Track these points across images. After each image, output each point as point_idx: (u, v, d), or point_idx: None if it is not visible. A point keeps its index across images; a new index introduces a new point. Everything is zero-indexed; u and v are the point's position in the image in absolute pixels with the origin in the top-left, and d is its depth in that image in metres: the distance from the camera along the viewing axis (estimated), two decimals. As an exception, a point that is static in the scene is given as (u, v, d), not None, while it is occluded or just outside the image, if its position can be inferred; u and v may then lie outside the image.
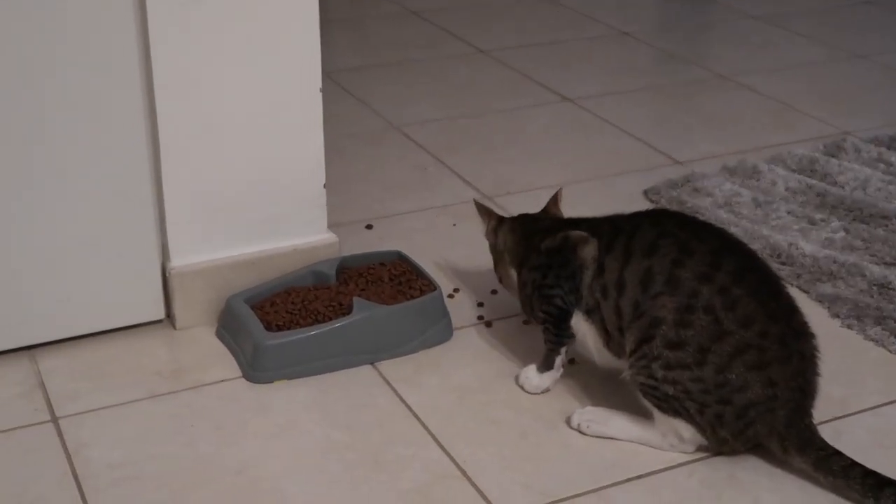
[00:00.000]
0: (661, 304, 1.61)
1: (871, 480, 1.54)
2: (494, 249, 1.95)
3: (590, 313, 1.71)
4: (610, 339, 1.70)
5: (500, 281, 1.95)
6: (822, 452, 1.59)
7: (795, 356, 1.60)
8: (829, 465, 1.58)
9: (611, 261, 1.68)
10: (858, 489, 1.55)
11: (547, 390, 1.80)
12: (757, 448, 1.65)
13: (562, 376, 1.82)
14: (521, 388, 1.81)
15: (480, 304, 2.05)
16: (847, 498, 1.57)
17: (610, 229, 1.72)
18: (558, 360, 1.79)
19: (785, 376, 1.59)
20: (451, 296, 2.05)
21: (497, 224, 1.94)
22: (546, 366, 1.80)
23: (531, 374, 1.81)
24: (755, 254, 1.70)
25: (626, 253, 1.67)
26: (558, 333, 1.77)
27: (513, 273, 1.89)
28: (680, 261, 1.62)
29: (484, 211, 1.98)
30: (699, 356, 1.58)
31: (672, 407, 1.62)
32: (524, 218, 1.94)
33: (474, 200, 2.00)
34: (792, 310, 1.64)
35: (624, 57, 3.39)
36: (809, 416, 1.62)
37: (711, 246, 1.65)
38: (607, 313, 1.68)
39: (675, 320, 1.59)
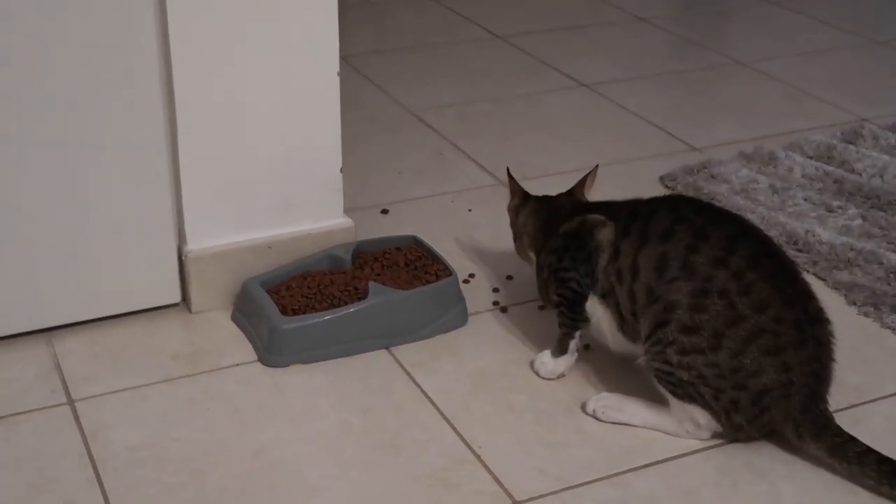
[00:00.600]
0: (675, 288, 1.60)
1: (887, 467, 1.54)
2: (514, 225, 1.96)
3: (605, 297, 1.71)
4: (624, 323, 1.69)
5: (518, 253, 1.96)
6: (838, 439, 1.59)
7: (811, 341, 1.60)
8: (845, 451, 1.57)
9: (626, 245, 1.68)
10: (874, 476, 1.55)
11: (562, 375, 1.80)
12: (772, 435, 1.65)
13: (577, 362, 1.82)
14: (536, 373, 1.81)
15: (496, 290, 2.04)
16: (862, 485, 1.57)
17: (627, 214, 1.72)
18: (572, 345, 1.79)
19: (800, 361, 1.58)
20: (466, 281, 2.05)
21: (521, 202, 1.95)
22: (560, 350, 1.80)
23: (546, 360, 1.81)
24: (771, 240, 1.70)
25: (641, 238, 1.67)
26: (573, 317, 1.77)
27: (531, 255, 1.90)
28: (695, 246, 1.62)
29: (514, 185, 1.97)
30: (714, 341, 1.58)
31: (687, 392, 1.62)
32: (547, 201, 1.93)
33: (508, 169, 2.00)
34: (807, 295, 1.63)
35: (641, 43, 3.38)
36: (825, 401, 1.62)
37: (727, 231, 1.65)
38: (622, 297, 1.68)
39: (689, 304, 1.59)
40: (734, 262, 1.60)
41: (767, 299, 1.58)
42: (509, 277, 2.08)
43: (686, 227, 1.65)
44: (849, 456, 1.57)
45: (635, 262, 1.66)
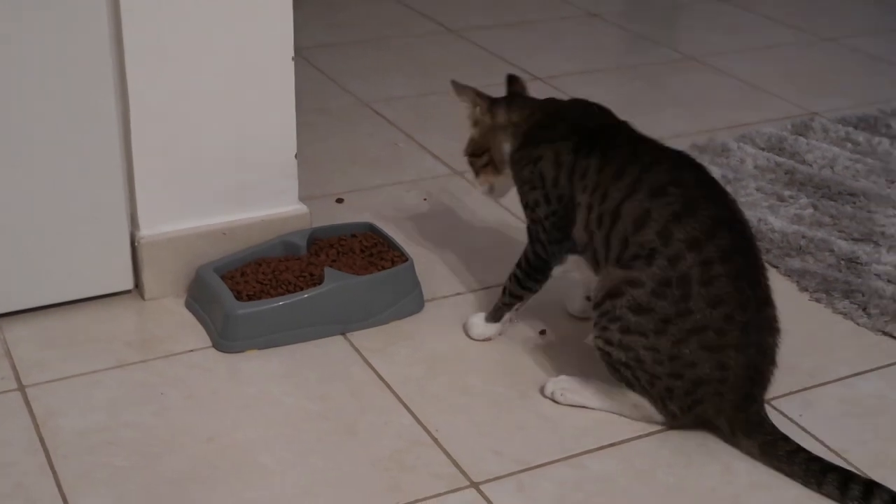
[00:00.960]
0: (642, 259, 1.58)
1: (816, 466, 1.55)
2: (488, 131, 1.84)
3: (584, 251, 1.69)
4: (598, 269, 1.67)
5: (486, 164, 1.86)
6: (769, 437, 1.59)
7: (752, 347, 1.59)
8: (775, 449, 1.58)
9: (615, 190, 1.63)
10: (802, 474, 1.55)
11: (489, 339, 1.84)
12: (707, 426, 1.65)
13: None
14: (466, 332, 1.85)
15: (542, 332, 1.90)
16: (793, 481, 1.57)
17: (627, 154, 1.67)
18: (507, 316, 1.82)
19: (738, 363, 1.58)
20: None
21: (492, 105, 1.84)
22: (494, 317, 1.83)
23: (478, 321, 1.85)
24: (752, 236, 1.65)
25: (632, 186, 1.62)
26: (524, 285, 1.78)
27: (505, 147, 1.81)
28: (679, 216, 1.58)
29: (469, 92, 1.86)
30: (661, 325, 1.57)
31: (625, 377, 1.62)
32: (534, 103, 1.86)
33: (452, 81, 1.89)
34: (765, 302, 1.61)
35: (593, 38, 3.40)
36: (759, 403, 1.62)
37: (716, 213, 1.60)
38: (598, 245, 1.65)
39: (651, 290, 1.57)
40: (708, 249, 1.57)
41: (724, 297, 1.56)
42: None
43: (680, 192, 1.60)
44: (779, 454, 1.57)
45: (618, 208, 1.62)
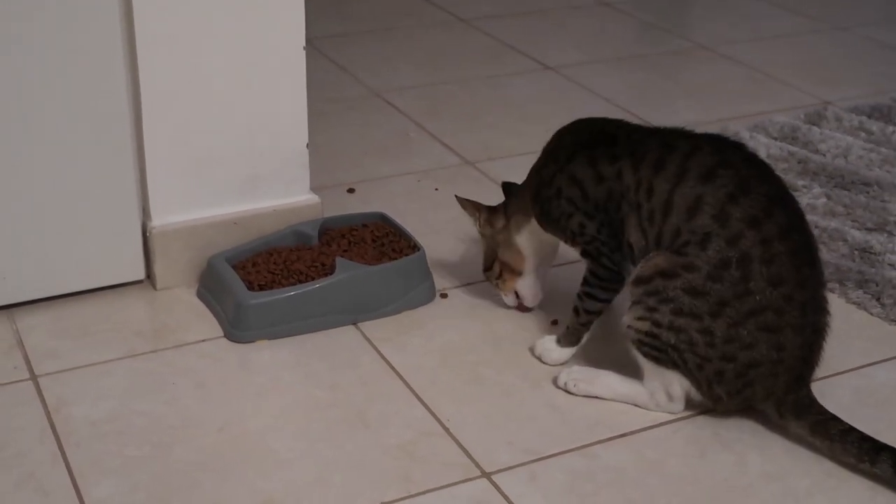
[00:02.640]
0: (694, 252, 1.56)
1: (868, 445, 1.54)
2: (491, 240, 1.87)
3: (641, 255, 1.63)
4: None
5: (499, 275, 1.87)
6: (820, 417, 1.58)
7: (809, 328, 1.59)
8: (827, 429, 1.57)
9: (661, 181, 1.60)
10: (855, 453, 1.54)
11: (566, 363, 1.77)
12: (748, 410, 1.65)
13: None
14: (539, 359, 1.77)
15: (555, 322, 1.85)
16: (842, 462, 1.57)
17: (659, 146, 1.64)
18: (586, 337, 1.75)
19: (794, 344, 1.57)
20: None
21: (489, 214, 1.86)
22: (571, 341, 1.75)
23: (551, 346, 1.76)
24: (803, 215, 1.63)
25: (679, 173, 1.59)
26: (603, 297, 1.70)
27: (521, 239, 1.82)
28: (735, 197, 1.56)
29: (469, 205, 1.88)
30: (717, 308, 1.55)
31: (671, 359, 1.59)
32: (517, 190, 1.86)
33: (456, 196, 1.92)
34: (820, 282, 1.61)
35: (605, 27, 3.38)
36: (808, 385, 1.62)
37: (769, 190, 1.58)
38: (652, 242, 1.60)
39: (707, 273, 1.55)
40: (767, 227, 1.55)
41: (785, 276, 1.55)
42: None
43: (732, 173, 1.58)
44: (831, 434, 1.56)
45: (669, 199, 1.59)
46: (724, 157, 1.61)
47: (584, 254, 1.73)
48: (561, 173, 1.72)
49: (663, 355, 1.60)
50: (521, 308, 1.91)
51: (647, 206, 1.61)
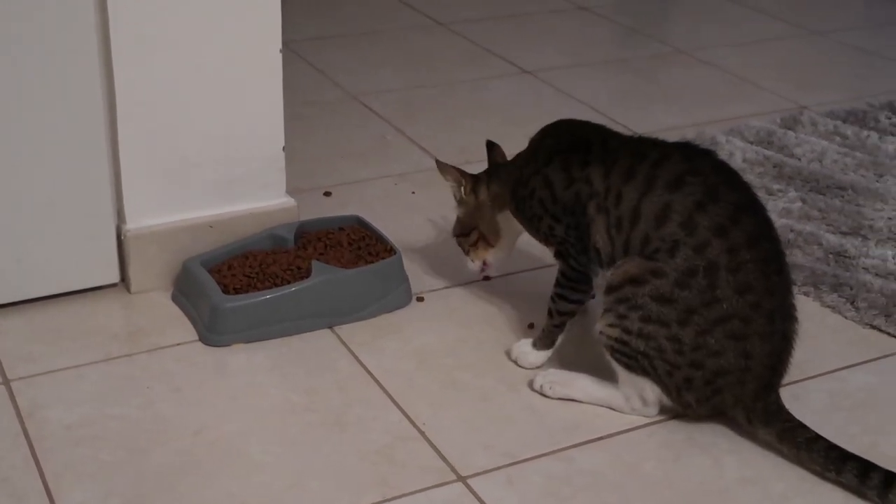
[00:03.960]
0: (663, 258, 1.56)
1: (835, 454, 1.54)
2: (473, 209, 1.86)
3: (609, 262, 1.64)
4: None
5: (475, 242, 1.87)
6: (788, 424, 1.59)
7: (777, 335, 1.59)
8: (794, 436, 1.57)
9: (630, 190, 1.61)
10: (821, 462, 1.54)
11: (541, 366, 1.77)
12: (719, 416, 1.65)
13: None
14: (515, 362, 1.78)
15: (531, 326, 1.87)
16: (809, 470, 1.57)
17: (631, 154, 1.65)
18: (559, 339, 1.76)
19: (762, 352, 1.58)
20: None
21: (475, 183, 1.87)
22: (545, 343, 1.76)
23: (527, 350, 1.77)
24: (771, 222, 1.64)
25: (648, 182, 1.60)
26: (572, 298, 1.71)
27: (500, 221, 1.83)
28: (703, 205, 1.56)
29: (452, 171, 1.88)
30: (684, 315, 1.56)
31: (640, 365, 1.60)
32: (510, 164, 1.86)
33: (437, 161, 1.94)
34: (788, 289, 1.61)
35: (583, 31, 3.39)
36: (776, 392, 1.62)
37: (738, 198, 1.59)
38: (619, 250, 1.61)
39: (675, 280, 1.56)
40: (734, 236, 1.56)
41: (752, 283, 1.56)
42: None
43: (700, 181, 1.58)
44: (798, 441, 1.57)
45: (637, 207, 1.59)
46: (692, 164, 1.61)
47: (556, 255, 1.75)
48: (536, 175, 1.74)
49: (633, 362, 1.61)
50: (483, 274, 1.93)
51: (614, 212, 1.62)
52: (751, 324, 1.56)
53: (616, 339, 1.61)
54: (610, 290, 1.61)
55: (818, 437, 1.56)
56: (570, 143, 1.73)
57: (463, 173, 1.89)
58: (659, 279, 1.56)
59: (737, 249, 1.56)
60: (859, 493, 1.52)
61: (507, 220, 1.84)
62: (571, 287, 1.72)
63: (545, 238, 1.75)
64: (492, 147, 1.93)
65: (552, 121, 1.85)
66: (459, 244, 1.91)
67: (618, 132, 1.77)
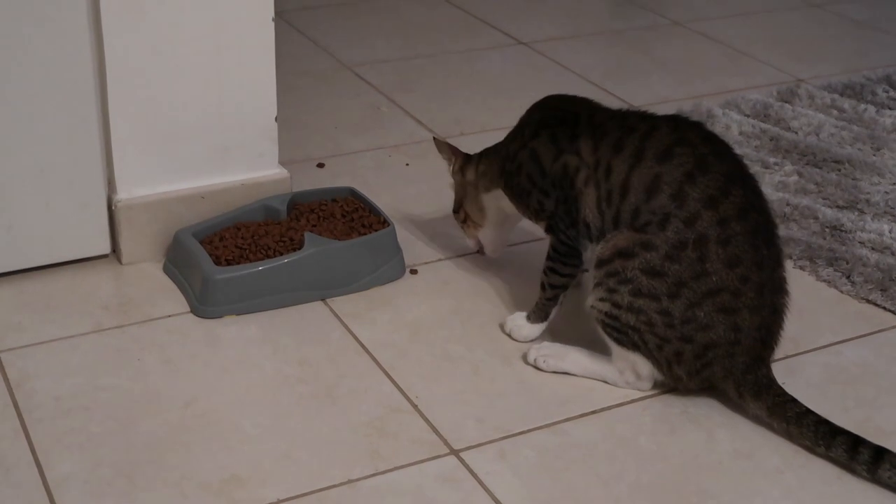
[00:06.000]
0: (653, 231, 1.55)
1: (825, 428, 1.53)
2: (460, 188, 1.89)
3: (599, 235, 1.63)
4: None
5: (464, 220, 1.90)
6: (778, 398, 1.58)
7: (767, 308, 1.58)
8: (784, 411, 1.57)
9: (619, 162, 1.60)
10: (811, 436, 1.54)
11: (535, 339, 1.76)
12: (711, 390, 1.65)
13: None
14: (509, 335, 1.77)
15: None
16: (799, 444, 1.57)
17: (618, 127, 1.64)
18: (554, 311, 1.75)
19: (752, 325, 1.57)
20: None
21: (464, 162, 1.88)
22: (540, 316, 1.75)
23: (521, 323, 1.76)
24: (762, 193, 1.62)
25: (636, 155, 1.59)
26: (565, 272, 1.70)
27: (487, 198, 1.84)
28: (692, 176, 1.56)
29: (446, 148, 1.90)
30: (674, 289, 1.55)
31: (631, 340, 1.60)
32: (493, 147, 1.86)
33: (434, 138, 1.94)
34: (778, 262, 1.60)
35: (579, 3, 3.36)
36: (767, 365, 1.61)
37: (727, 169, 1.58)
38: (608, 223, 1.61)
39: (665, 253, 1.55)
40: (724, 207, 1.55)
41: (742, 256, 1.55)
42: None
43: (689, 151, 1.57)
44: (788, 416, 1.56)
45: (627, 180, 1.58)
46: (681, 135, 1.61)
47: (546, 229, 1.74)
48: (524, 150, 1.73)
49: (624, 336, 1.60)
50: (481, 252, 1.94)
51: (605, 185, 1.61)
52: (740, 297, 1.55)
53: (606, 314, 1.60)
54: (600, 264, 1.60)
55: (808, 412, 1.56)
56: (557, 118, 1.72)
57: (456, 151, 1.89)
58: (649, 252, 1.55)
59: (727, 221, 1.55)
60: (849, 468, 1.52)
61: (495, 201, 1.83)
62: (562, 261, 1.71)
63: (535, 213, 1.74)
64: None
65: (547, 92, 1.84)
66: (456, 219, 1.93)
67: (606, 106, 1.75)
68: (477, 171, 1.85)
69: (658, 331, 1.58)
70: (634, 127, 1.63)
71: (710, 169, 1.56)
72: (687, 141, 1.59)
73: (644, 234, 1.56)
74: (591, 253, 1.65)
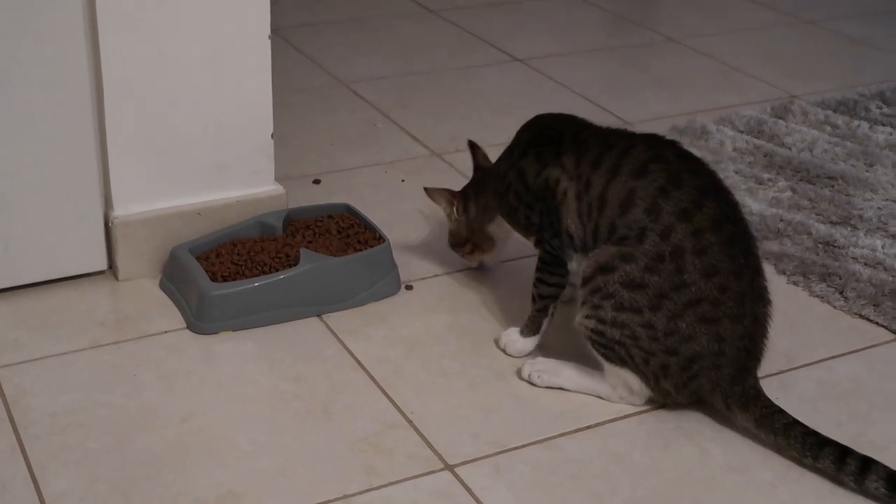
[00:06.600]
0: (634, 244, 1.58)
1: (812, 440, 1.54)
2: (465, 225, 1.91)
3: (583, 247, 1.66)
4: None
5: (471, 252, 1.93)
6: (766, 410, 1.59)
7: (748, 317, 1.59)
8: (772, 422, 1.57)
9: (597, 177, 1.64)
10: (798, 447, 1.55)
11: (530, 354, 1.77)
12: (700, 403, 1.65)
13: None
14: (504, 350, 1.78)
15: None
16: (787, 456, 1.57)
17: (599, 144, 1.68)
18: (545, 323, 1.76)
19: (734, 335, 1.58)
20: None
21: (463, 198, 1.91)
22: (532, 329, 1.76)
23: (515, 338, 1.77)
24: (737, 205, 1.65)
25: (613, 170, 1.62)
26: (552, 282, 1.73)
27: (493, 229, 1.89)
28: (666, 190, 1.59)
29: (443, 196, 1.93)
30: (656, 301, 1.57)
31: (618, 355, 1.61)
32: (487, 171, 1.91)
33: (425, 189, 1.95)
34: (756, 271, 1.62)
35: (575, 19, 3.38)
36: (754, 376, 1.62)
37: (701, 182, 1.61)
38: (589, 237, 1.64)
39: (644, 265, 1.57)
40: (698, 219, 1.57)
41: (718, 265, 1.57)
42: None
43: (662, 167, 1.61)
44: (775, 427, 1.57)
45: (604, 194, 1.62)
46: (657, 152, 1.64)
47: (535, 243, 1.77)
48: (512, 169, 1.78)
49: (611, 352, 1.62)
50: (482, 266, 2.01)
51: (585, 199, 1.64)
52: (720, 306, 1.57)
53: (592, 330, 1.62)
54: (584, 282, 1.63)
55: (795, 423, 1.57)
56: (544, 137, 1.76)
57: (454, 194, 1.93)
58: (628, 264, 1.58)
59: (701, 232, 1.57)
60: (837, 480, 1.52)
61: (500, 227, 1.88)
62: (548, 270, 1.74)
63: (524, 228, 1.78)
64: (475, 148, 1.97)
65: (542, 108, 1.86)
66: (455, 251, 1.96)
67: (592, 124, 1.78)
68: (478, 205, 1.89)
69: (643, 344, 1.59)
70: (614, 144, 1.67)
71: (684, 183, 1.59)
72: (662, 158, 1.63)
73: (623, 247, 1.59)
74: (578, 266, 1.67)
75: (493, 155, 1.94)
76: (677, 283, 1.56)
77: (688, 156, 1.67)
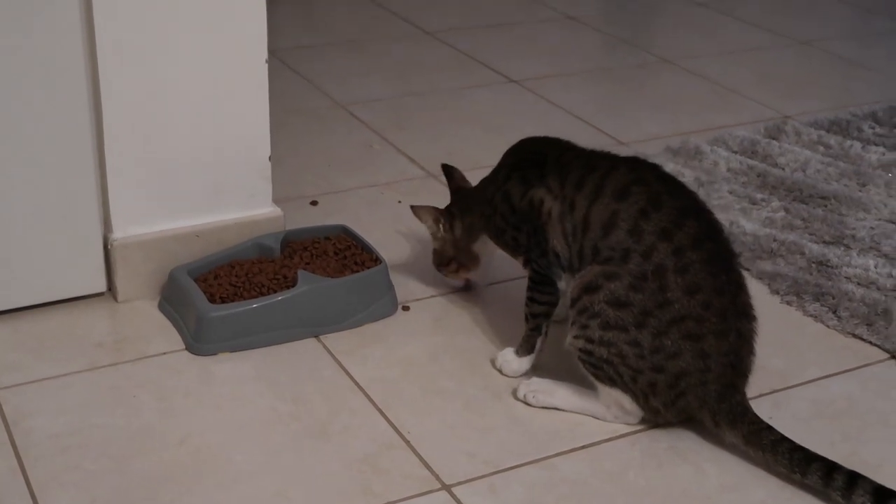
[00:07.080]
0: (618, 256, 1.60)
1: (800, 455, 1.56)
2: (450, 244, 1.94)
3: (569, 266, 1.70)
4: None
5: (456, 270, 1.96)
6: (754, 427, 1.60)
7: (732, 333, 1.61)
8: (760, 439, 1.59)
9: (581, 199, 1.67)
10: (786, 464, 1.56)
11: (525, 373, 1.79)
12: (690, 421, 1.67)
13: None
14: (500, 371, 1.79)
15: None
16: (775, 473, 1.59)
17: (582, 166, 1.71)
18: (539, 342, 1.78)
19: (719, 351, 1.60)
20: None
21: (449, 217, 1.94)
22: (526, 349, 1.78)
23: (510, 358, 1.79)
24: (718, 224, 1.67)
25: (596, 191, 1.66)
26: (543, 300, 1.75)
27: (478, 247, 1.91)
28: (646, 212, 1.62)
29: (429, 213, 1.95)
30: (641, 318, 1.59)
31: (607, 374, 1.63)
32: (468, 192, 1.95)
33: (411, 206, 1.98)
34: (739, 287, 1.64)
35: (570, 40, 3.41)
36: (742, 393, 1.64)
37: (681, 203, 1.64)
38: (574, 258, 1.67)
39: (629, 284, 1.59)
40: (678, 238, 1.60)
41: (700, 283, 1.59)
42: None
43: (643, 190, 1.64)
44: (763, 444, 1.58)
45: (587, 216, 1.65)
46: (638, 175, 1.67)
47: (523, 264, 1.80)
48: (498, 192, 1.81)
49: (601, 371, 1.64)
50: (468, 287, 2.02)
51: (570, 220, 1.67)
52: (704, 323, 1.59)
53: (582, 350, 1.64)
54: (573, 302, 1.65)
55: (783, 439, 1.58)
56: (529, 160, 1.79)
57: (440, 213, 1.95)
58: (612, 282, 1.60)
59: (682, 251, 1.59)
60: (825, 496, 1.54)
61: (484, 244, 1.91)
62: (539, 290, 1.76)
63: (512, 250, 1.81)
64: (450, 172, 2.01)
65: (537, 129, 1.89)
66: (439, 270, 1.98)
67: (576, 146, 1.81)
68: (464, 224, 1.92)
69: (630, 362, 1.61)
70: (596, 166, 1.70)
71: (664, 205, 1.62)
72: (643, 180, 1.66)
73: (608, 266, 1.61)
74: (567, 286, 1.69)
75: (483, 175, 1.95)
76: (661, 301, 1.58)
77: (668, 178, 1.71)
